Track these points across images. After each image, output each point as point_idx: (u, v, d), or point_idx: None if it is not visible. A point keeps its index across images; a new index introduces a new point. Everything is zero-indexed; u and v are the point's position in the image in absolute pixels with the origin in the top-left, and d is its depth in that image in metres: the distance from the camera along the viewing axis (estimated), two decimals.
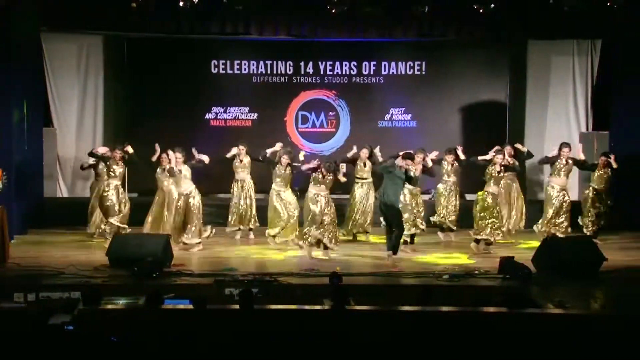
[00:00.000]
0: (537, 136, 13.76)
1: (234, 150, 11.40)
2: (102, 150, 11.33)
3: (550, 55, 13.81)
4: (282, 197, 10.67)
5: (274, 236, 10.62)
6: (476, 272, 8.66)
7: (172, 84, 13.58)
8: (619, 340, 5.71)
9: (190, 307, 6.20)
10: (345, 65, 13.78)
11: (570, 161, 10.88)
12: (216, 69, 13.73)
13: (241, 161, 11.40)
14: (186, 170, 10.49)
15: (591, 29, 13.08)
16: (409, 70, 13.78)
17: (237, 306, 6.20)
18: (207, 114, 13.79)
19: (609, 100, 12.93)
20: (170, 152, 10.72)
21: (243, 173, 11.41)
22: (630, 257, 9.96)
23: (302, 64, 13.76)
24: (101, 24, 12.74)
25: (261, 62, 13.74)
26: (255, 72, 13.76)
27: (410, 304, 6.72)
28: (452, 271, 8.66)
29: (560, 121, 13.83)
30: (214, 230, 10.75)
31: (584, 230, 11.02)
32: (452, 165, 11.31)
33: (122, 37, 13.40)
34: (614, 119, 12.76)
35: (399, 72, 13.76)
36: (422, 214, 10.64)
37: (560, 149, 10.99)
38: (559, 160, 10.90)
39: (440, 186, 11.32)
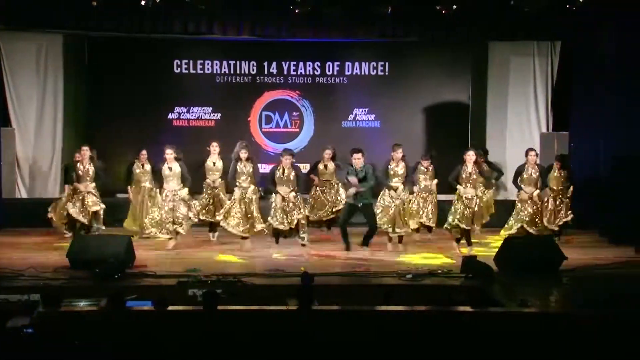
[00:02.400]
0: (499, 137, 13.90)
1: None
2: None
3: (511, 56, 13.96)
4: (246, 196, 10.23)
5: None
6: (439, 271, 8.72)
7: (134, 83, 13.46)
8: (578, 338, 5.79)
9: (153, 308, 6.13)
10: (309, 65, 13.79)
11: (537, 169, 10.76)
12: (179, 68, 13.63)
13: (214, 163, 10.87)
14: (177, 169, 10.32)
15: (551, 31, 13.24)
16: (373, 71, 13.84)
17: (200, 307, 6.15)
18: (170, 114, 13.69)
19: (569, 101, 13.11)
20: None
21: (214, 175, 10.84)
22: (588, 256, 10.09)
23: (265, 64, 13.74)
24: (61, 23, 12.53)
25: (224, 62, 13.68)
26: (218, 72, 13.69)
27: (373, 303, 6.74)
28: (416, 270, 8.70)
29: (521, 122, 13.98)
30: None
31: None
32: (428, 169, 11.18)
33: (83, 36, 13.22)
34: (573, 119, 12.94)
35: (363, 73, 13.81)
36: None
37: (527, 155, 10.86)
38: (526, 169, 10.74)
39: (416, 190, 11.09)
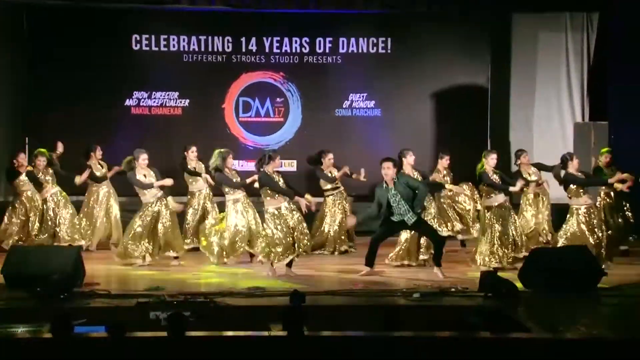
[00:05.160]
0: (524, 128, 13.96)
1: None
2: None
3: (539, 31, 14.02)
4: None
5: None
6: (452, 289, 8.74)
7: (83, 63, 13.40)
8: None
9: (106, 334, 6.11)
10: (296, 41, 13.79)
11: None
12: (138, 45, 13.61)
13: (194, 168, 11.41)
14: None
15: (586, 0, 13.30)
16: (372, 49, 13.85)
17: (164, 333, 6.14)
18: (128, 100, 13.67)
19: (608, 85, 13.15)
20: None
21: (198, 183, 11.42)
22: (633, 270, 10.12)
23: (243, 39, 13.73)
24: None
25: (193, 38, 13.67)
26: (186, 49, 13.68)
27: (374, 328, 6.74)
28: (424, 289, 8.72)
29: (550, 110, 14.05)
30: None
31: None
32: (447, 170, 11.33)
33: (21, 5, 13.19)
34: (613, 106, 12.98)
35: (360, 50, 13.81)
36: None
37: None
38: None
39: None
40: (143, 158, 10.43)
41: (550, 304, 8.15)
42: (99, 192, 11.69)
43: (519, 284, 8.76)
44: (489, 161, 10.16)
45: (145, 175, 10.43)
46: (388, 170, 9.43)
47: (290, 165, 13.24)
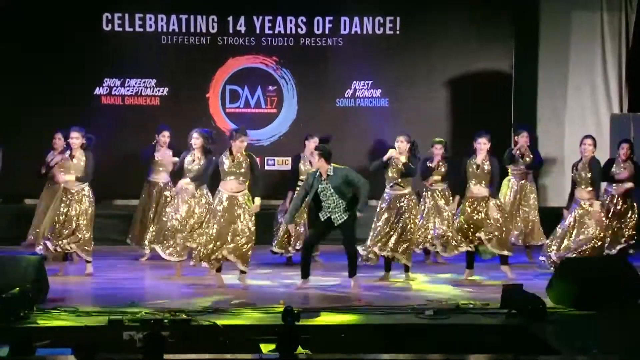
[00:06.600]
0: (553, 120, 14.01)
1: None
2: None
3: (571, 10, 14.06)
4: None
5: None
6: (470, 305, 8.76)
7: (47, 46, 13.40)
8: None
9: (73, 358, 6.12)
10: (291, 21, 13.80)
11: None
12: (109, 25, 13.62)
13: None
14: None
15: None
16: (378, 29, 13.86)
17: (139, 356, 6.15)
18: (98, 89, 13.69)
19: None
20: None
21: (161, 173, 11.51)
22: None
23: (230, 19, 13.75)
24: None
25: (173, 17, 13.69)
26: (165, 29, 13.70)
27: (379, 350, 6.76)
28: (438, 305, 8.74)
29: (584, 99, 14.09)
30: None
31: None
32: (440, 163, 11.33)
33: None
34: None
35: (365, 32, 13.83)
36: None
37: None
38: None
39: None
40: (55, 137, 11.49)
41: (582, 322, 8.17)
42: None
43: (547, 299, 8.80)
44: None
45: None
46: (313, 159, 9.67)
47: (284, 164, 13.23)
